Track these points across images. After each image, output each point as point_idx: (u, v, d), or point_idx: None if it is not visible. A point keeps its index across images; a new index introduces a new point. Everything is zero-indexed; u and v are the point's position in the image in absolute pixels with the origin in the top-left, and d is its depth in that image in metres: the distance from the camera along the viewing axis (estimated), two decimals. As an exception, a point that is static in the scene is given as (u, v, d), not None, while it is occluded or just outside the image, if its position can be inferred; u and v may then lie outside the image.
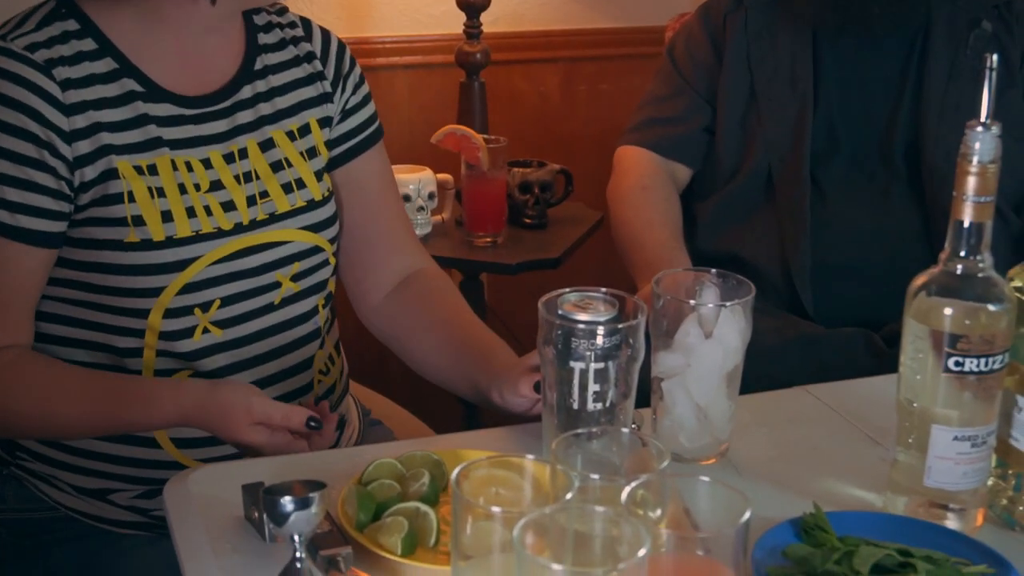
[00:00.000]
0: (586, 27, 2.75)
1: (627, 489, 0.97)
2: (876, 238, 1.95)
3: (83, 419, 1.36)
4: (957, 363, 1.13)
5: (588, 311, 1.20)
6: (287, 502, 1.03)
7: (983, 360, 1.13)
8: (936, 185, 1.92)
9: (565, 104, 2.78)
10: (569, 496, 0.96)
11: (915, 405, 1.17)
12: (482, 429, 1.40)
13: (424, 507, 1.13)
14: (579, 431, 1.08)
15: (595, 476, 1.01)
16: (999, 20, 2.02)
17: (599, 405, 1.20)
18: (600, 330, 1.19)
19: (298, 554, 1.04)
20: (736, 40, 2.08)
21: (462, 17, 2.45)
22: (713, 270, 1.31)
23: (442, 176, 2.39)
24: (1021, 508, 1.18)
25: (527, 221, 2.39)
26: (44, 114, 1.33)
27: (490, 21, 2.49)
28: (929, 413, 1.16)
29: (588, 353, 1.19)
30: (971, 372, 1.13)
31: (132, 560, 1.43)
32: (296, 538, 1.04)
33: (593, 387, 1.20)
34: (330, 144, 1.56)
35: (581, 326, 1.19)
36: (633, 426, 1.25)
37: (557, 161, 2.48)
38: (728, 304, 1.26)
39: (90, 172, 1.36)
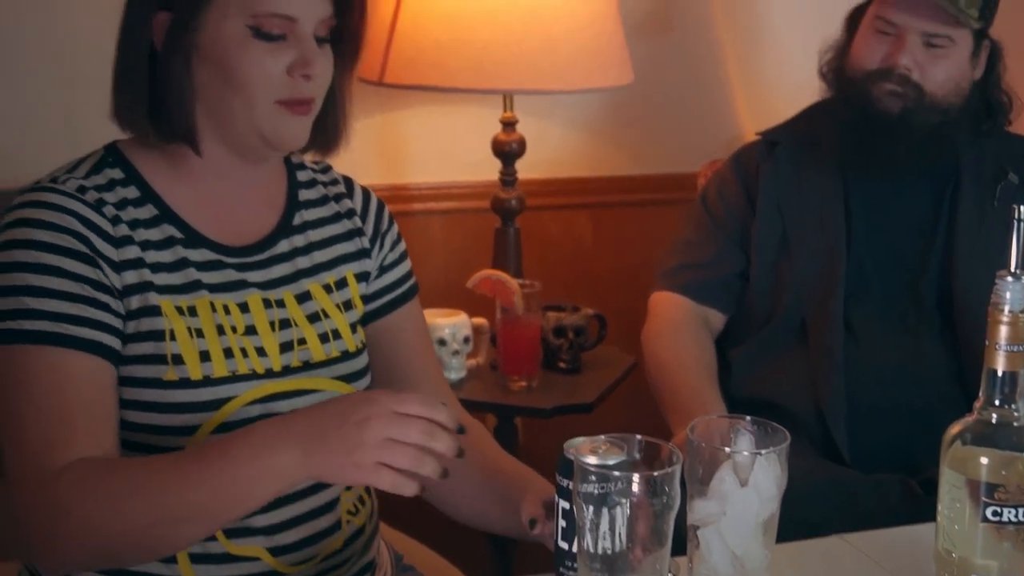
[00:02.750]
0: (619, 174, 2.78)
1: (663, 640, 0.96)
2: (910, 380, 1.95)
3: (193, 493, 1.24)
4: (995, 513, 1.12)
5: (617, 456, 1.20)
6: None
7: (1021, 510, 1.12)
8: (968, 329, 1.92)
9: (598, 248, 2.80)
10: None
11: (954, 555, 1.16)
12: (515, 576, 1.40)
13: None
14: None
15: (631, 626, 1.00)
16: (1028, 168, 2.04)
17: (635, 552, 1.19)
18: (635, 477, 1.19)
19: None
20: (767, 186, 2.10)
21: (498, 164, 2.49)
22: (748, 417, 1.30)
23: (477, 320, 2.40)
24: (1065, 662, 1.16)
25: (561, 365, 2.39)
26: (95, 243, 1.35)
27: (525, 168, 2.52)
28: (968, 563, 1.15)
29: (623, 500, 1.19)
30: (1009, 522, 1.12)
31: None
32: None
33: (627, 534, 1.19)
34: (367, 299, 1.57)
35: (616, 473, 1.19)
36: (670, 575, 1.24)
37: (590, 304, 2.49)
38: (763, 452, 1.25)
39: (135, 303, 1.37)
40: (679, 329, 2.09)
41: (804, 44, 2.16)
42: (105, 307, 1.34)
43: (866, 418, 1.92)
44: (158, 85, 1.40)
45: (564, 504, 1.25)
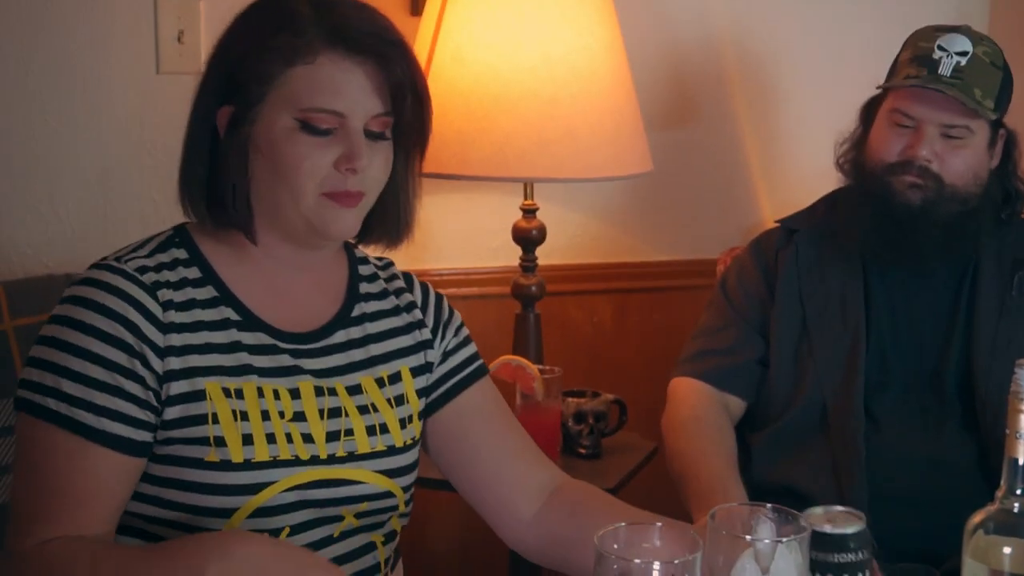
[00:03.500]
0: (638, 260, 2.80)
1: None
2: (931, 469, 1.94)
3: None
4: (1019, 603, 1.12)
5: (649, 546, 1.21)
6: None
7: (1045, 600, 1.11)
8: (989, 419, 1.91)
9: (618, 334, 2.80)
10: None
11: (978, 646, 1.15)
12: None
13: None
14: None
15: None
16: (1048, 259, 2.05)
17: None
18: (656, 567, 1.19)
19: None
20: (787, 274, 2.11)
21: (518, 250, 2.50)
22: (768, 504, 1.30)
23: (497, 405, 2.40)
24: None
25: (582, 451, 2.38)
26: (141, 328, 1.38)
27: (545, 254, 2.53)
28: (992, 654, 1.14)
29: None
30: (1034, 612, 1.11)
31: None
32: None
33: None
34: (428, 390, 1.59)
35: (637, 562, 1.19)
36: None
37: (610, 389, 2.49)
38: (784, 540, 1.25)
39: (176, 388, 1.39)
40: (700, 416, 2.08)
41: (821, 134, 2.17)
42: (134, 399, 1.36)
43: (888, 507, 1.90)
44: (218, 174, 1.43)
45: None
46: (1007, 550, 1.13)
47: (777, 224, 2.21)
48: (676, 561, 1.19)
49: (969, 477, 1.92)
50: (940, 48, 1.98)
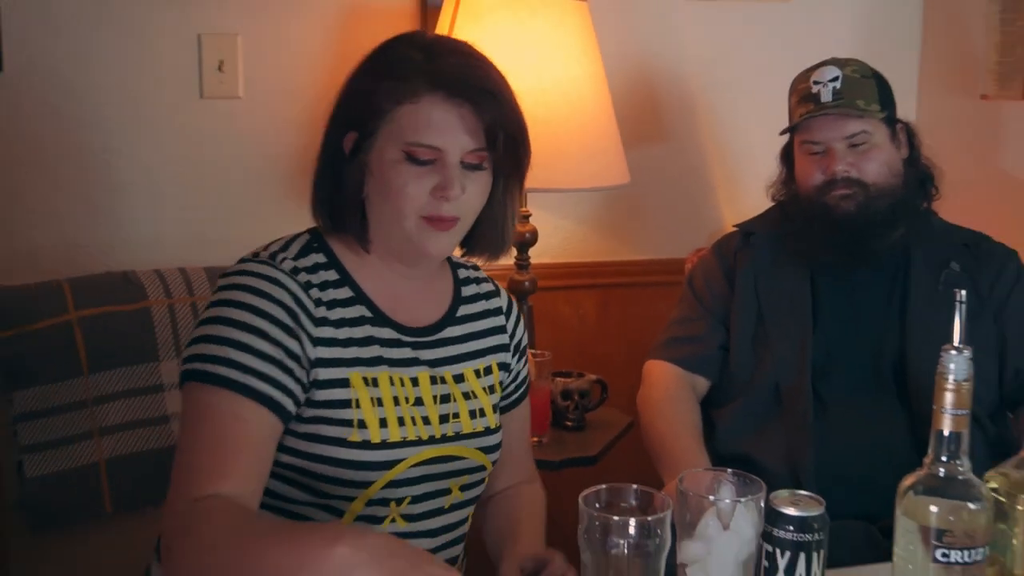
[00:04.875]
0: (618, 259, 2.80)
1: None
2: (870, 442, 1.94)
3: (266, 556, 1.19)
4: (944, 555, 1.12)
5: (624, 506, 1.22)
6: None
7: (966, 552, 1.12)
8: (920, 398, 1.92)
9: (600, 323, 2.80)
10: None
11: (908, 592, 1.16)
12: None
13: None
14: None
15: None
16: (968, 257, 2.05)
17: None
18: (632, 523, 1.20)
19: None
20: (745, 272, 2.12)
21: (513, 251, 2.50)
22: (729, 470, 1.31)
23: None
24: None
25: (568, 424, 2.39)
26: (300, 317, 1.38)
27: (537, 254, 2.54)
28: (921, 599, 1.14)
29: (621, 542, 1.20)
30: (956, 563, 1.12)
31: None
32: None
33: (628, 572, 1.20)
34: (501, 387, 1.61)
35: (616, 519, 1.20)
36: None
37: (593, 371, 2.50)
38: (743, 500, 1.26)
39: (324, 374, 1.39)
40: (670, 394, 2.09)
41: (772, 150, 2.18)
42: (290, 372, 1.36)
43: (832, 473, 1.91)
44: (341, 189, 1.45)
45: None
46: (933, 508, 1.13)
47: (736, 228, 2.22)
48: (649, 518, 1.20)
49: (902, 448, 1.92)
50: (815, 83, 2.02)
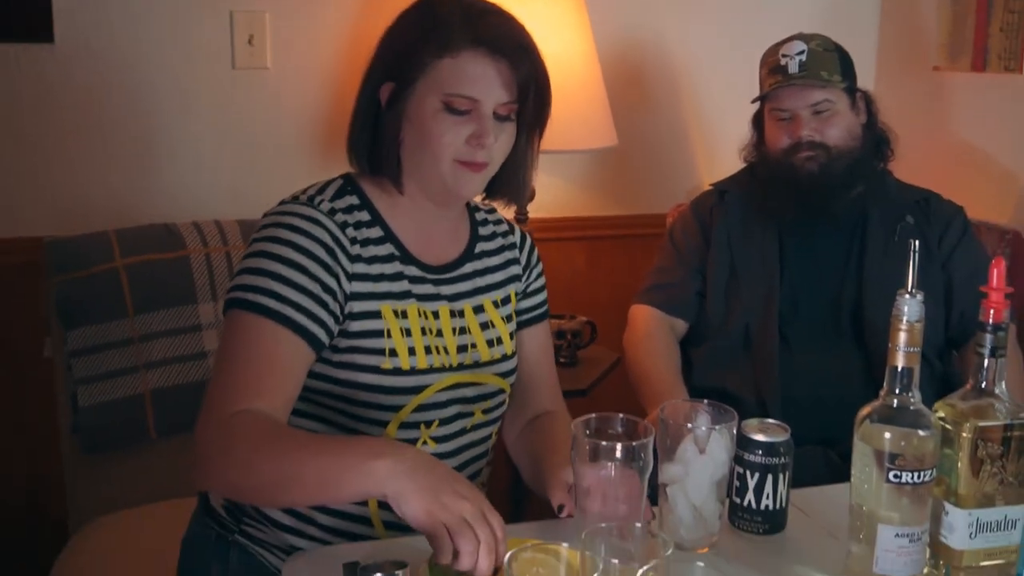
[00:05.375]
0: (606, 214, 2.79)
1: (640, 571, 0.96)
2: (830, 379, 1.94)
3: (308, 463, 1.17)
4: (895, 476, 1.13)
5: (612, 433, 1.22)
6: (378, 577, 1.03)
7: (916, 474, 1.12)
8: (875, 338, 1.92)
9: (590, 271, 2.80)
10: (596, 576, 0.95)
11: (864, 508, 1.16)
12: (526, 523, 1.39)
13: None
14: (603, 525, 1.08)
15: (615, 561, 1.00)
16: (920, 213, 2.04)
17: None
18: (619, 447, 1.20)
19: (386, 617, 1.03)
20: (719, 227, 2.11)
21: (513, 207, 2.49)
22: (705, 401, 1.31)
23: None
24: (949, 591, 1.16)
25: (562, 360, 2.39)
26: (337, 254, 1.36)
27: (535, 209, 2.53)
28: (875, 515, 1.15)
29: (610, 464, 1.20)
30: (907, 483, 1.12)
31: None
32: (385, 605, 1.03)
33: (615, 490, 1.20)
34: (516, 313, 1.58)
35: (604, 443, 1.20)
36: (644, 522, 1.24)
37: (584, 313, 2.50)
38: (717, 427, 1.26)
39: (358, 307, 1.37)
40: (652, 335, 2.09)
41: (743, 116, 2.16)
42: (325, 306, 1.33)
43: (797, 405, 1.91)
44: (379, 135, 1.42)
45: None
46: (887, 435, 1.13)
47: (711, 187, 2.20)
48: (634, 443, 1.20)
49: (858, 383, 1.92)
50: (783, 56, 1.99)
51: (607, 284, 2.77)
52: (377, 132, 1.42)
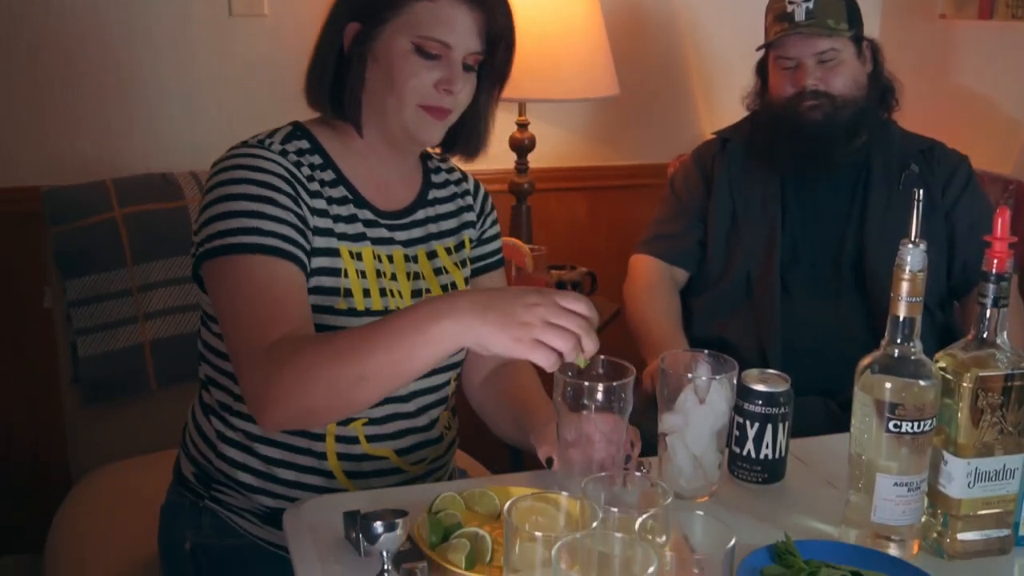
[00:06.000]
0: (607, 164, 2.77)
1: (639, 520, 0.96)
2: (831, 326, 1.94)
3: (372, 354, 1.15)
4: (895, 425, 1.12)
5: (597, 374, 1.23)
6: (378, 526, 1.03)
7: (916, 423, 1.12)
8: (876, 288, 1.91)
9: (591, 222, 2.79)
10: (594, 525, 0.96)
11: (863, 458, 1.16)
12: (525, 472, 1.39)
13: (482, 531, 1.12)
14: (603, 474, 1.08)
15: (614, 510, 1.00)
16: (923, 162, 2.03)
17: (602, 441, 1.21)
18: (600, 387, 1.20)
19: (386, 566, 1.04)
20: (721, 176, 2.09)
21: (514, 156, 2.48)
22: (705, 351, 1.31)
23: (497, 276, 2.40)
24: (948, 540, 1.16)
25: (561, 311, 2.39)
26: (299, 190, 1.34)
27: (535, 159, 2.51)
28: (874, 464, 1.15)
29: (590, 404, 1.20)
30: (907, 433, 1.12)
31: None
32: (384, 554, 1.04)
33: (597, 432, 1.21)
34: (470, 261, 1.57)
35: (586, 384, 1.20)
36: (644, 470, 1.25)
37: (584, 264, 2.49)
38: (717, 377, 1.26)
39: (319, 243, 1.35)
40: (653, 284, 2.08)
41: (746, 66, 2.13)
42: (302, 232, 1.32)
43: (797, 354, 1.91)
44: (340, 77, 1.39)
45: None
46: (888, 385, 1.13)
47: (714, 136, 2.18)
48: (614, 384, 1.20)
49: (859, 332, 1.92)
50: (790, 3, 1.96)
51: (608, 234, 2.76)
52: (339, 74, 1.39)
